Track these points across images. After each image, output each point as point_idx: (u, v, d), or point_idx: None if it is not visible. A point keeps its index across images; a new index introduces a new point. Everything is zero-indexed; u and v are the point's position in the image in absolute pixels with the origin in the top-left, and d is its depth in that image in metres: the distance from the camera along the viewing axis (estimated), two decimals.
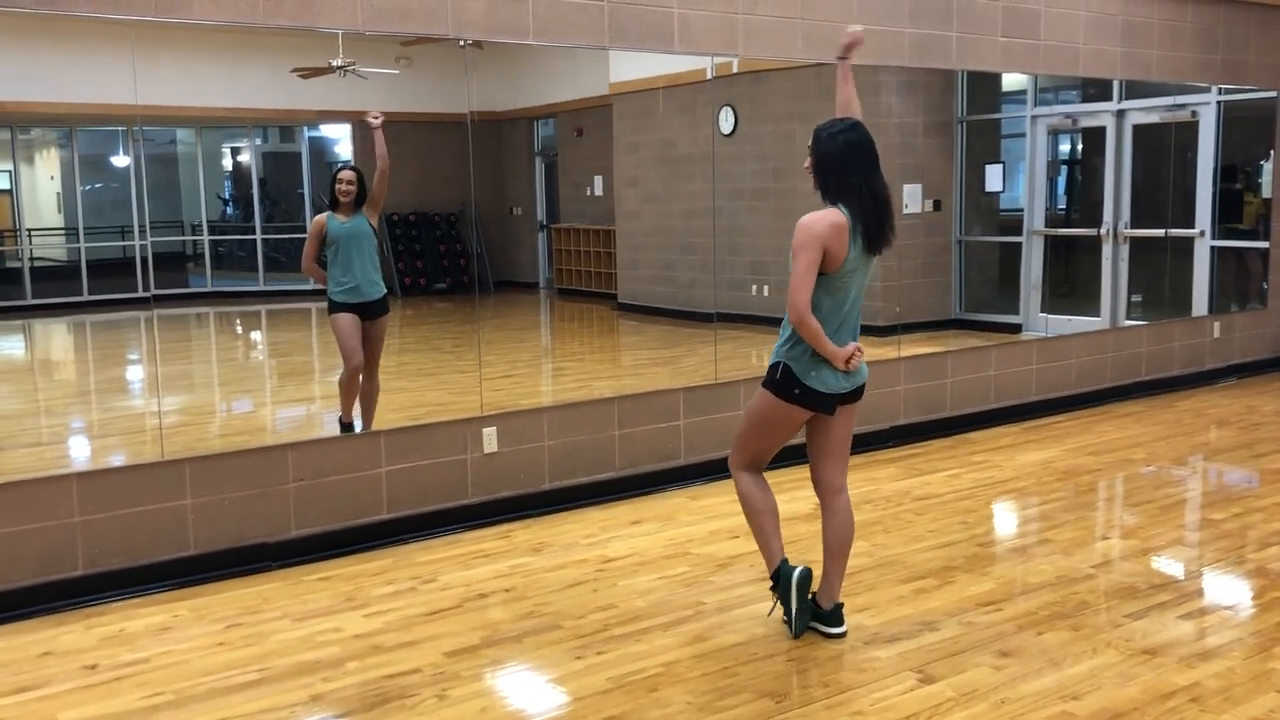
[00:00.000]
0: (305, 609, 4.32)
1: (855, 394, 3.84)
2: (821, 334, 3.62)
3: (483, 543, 5.12)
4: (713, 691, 3.51)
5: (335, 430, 5.77)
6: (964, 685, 3.50)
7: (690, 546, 4.99)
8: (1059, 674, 3.58)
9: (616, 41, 5.69)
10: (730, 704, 3.42)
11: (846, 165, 3.64)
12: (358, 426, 5.69)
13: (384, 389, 5.88)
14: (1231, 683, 3.50)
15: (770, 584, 3.94)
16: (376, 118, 5.68)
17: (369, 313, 5.81)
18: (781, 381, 3.74)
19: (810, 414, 3.79)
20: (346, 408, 5.77)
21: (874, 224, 3.64)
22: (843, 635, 3.89)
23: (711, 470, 6.14)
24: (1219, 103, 8.75)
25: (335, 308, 5.82)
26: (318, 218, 5.84)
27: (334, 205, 5.81)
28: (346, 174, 5.81)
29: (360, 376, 5.78)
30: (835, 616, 3.91)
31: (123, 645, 4.00)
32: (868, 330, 7.59)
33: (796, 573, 3.84)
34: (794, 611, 3.84)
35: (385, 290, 5.90)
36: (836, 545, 3.88)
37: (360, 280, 5.79)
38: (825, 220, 3.60)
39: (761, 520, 3.92)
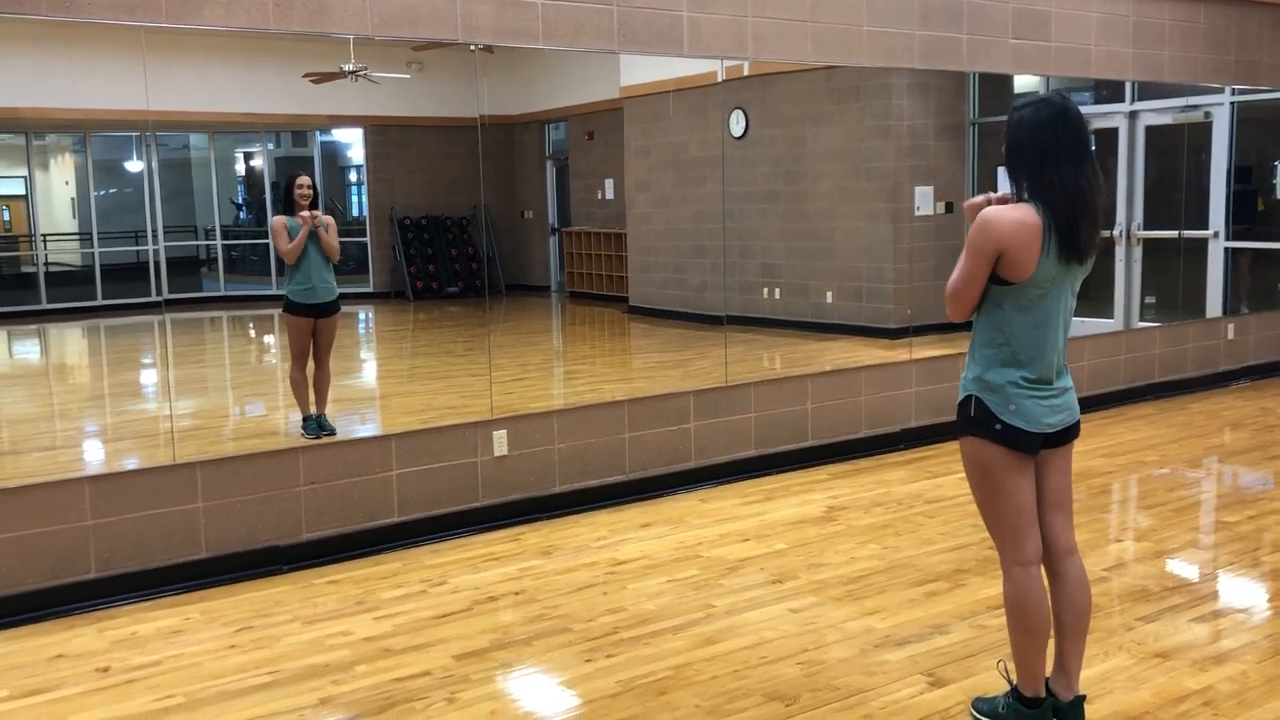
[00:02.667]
0: (315, 612, 4.33)
1: (1067, 434, 3.10)
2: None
3: (493, 546, 5.13)
4: (722, 694, 3.50)
5: (348, 434, 5.81)
6: (974, 689, 3.48)
7: (700, 549, 4.98)
8: None
9: (626, 45, 5.70)
10: (740, 707, 3.41)
11: (1037, 153, 2.94)
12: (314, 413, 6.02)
13: (396, 392, 5.92)
14: (1245, 686, 3.48)
15: (1018, 701, 3.13)
16: (315, 218, 6.03)
17: (324, 312, 6.13)
18: (977, 419, 3.02)
19: (1023, 458, 3.03)
20: (303, 404, 6.06)
21: (1067, 224, 2.92)
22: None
23: (721, 473, 6.14)
24: (1232, 104, 8.71)
25: (291, 308, 6.13)
26: (277, 218, 6.14)
27: (291, 210, 6.10)
28: (305, 179, 6.11)
29: (310, 373, 6.12)
30: (1077, 711, 3.15)
31: (134, 648, 4.02)
32: (877, 333, 7.60)
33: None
34: None
35: (338, 293, 6.22)
36: (1072, 619, 3.12)
37: (316, 282, 6.09)
38: (1009, 218, 2.91)
39: (1027, 640, 3.07)
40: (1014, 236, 2.89)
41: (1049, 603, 3.10)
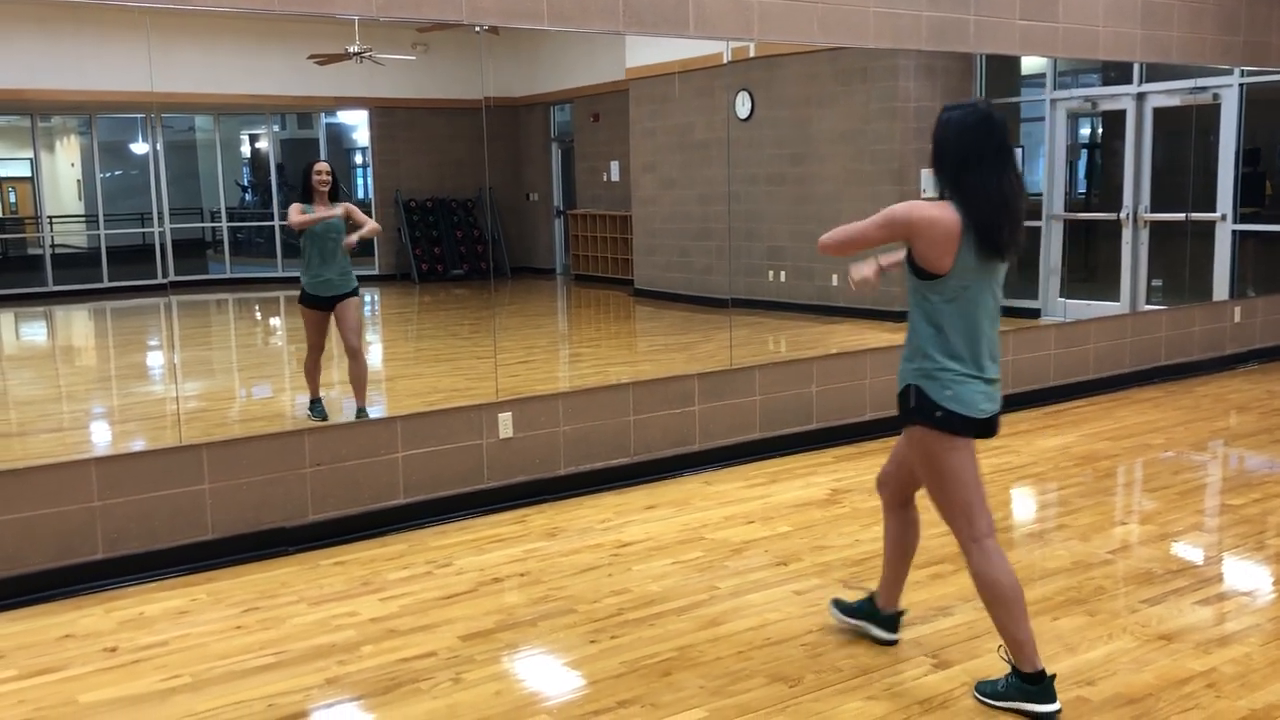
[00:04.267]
0: (321, 593, 4.35)
1: (992, 425, 3.26)
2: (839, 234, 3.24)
3: (498, 527, 5.14)
4: (726, 676, 3.52)
5: (352, 415, 5.82)
6: (978, 671, 3.49)
7: (704, 532, 4.99)
8: (1074, 659, 3.57)
9: (631, 26, 5.68)
10: (743, 688, 3.43)
11: (961, 156, 3.12)
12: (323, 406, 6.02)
13: (402, 374, 5.93)
14: (1248, 669, 3.48)
15: (1019, 679, 3.21)
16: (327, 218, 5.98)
17: (340, 301, 6.05)
18: (919, 408, 3.18)
19: (964, 442, 3.20)
20: (312, 388, 6.05)
21: (989, 225, 3.09)
22: (894, 644, 3.66)
23: (726, 456, 6.14)
24: (1241, 85, 8.66)
25: (304, 299, 6.08)
26: (294, 205, 6.03)
27: (308, 196, 5.95)
28: (323, 166, 5.97)
29: (321, 361, 6.09)
30: (894, 623, 3.69)
31: (142, 628, 4.04)
32: (885, 315, 7.58)
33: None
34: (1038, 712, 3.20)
35: (356, 282, 6.14)
36: (908, 553, 3.63)
37: (333, 274, 6.01)
38: (927, 212, 3.10)
39: (1011, 616, 3.19)
40: (925, 229, 3.09)
41: (1013, 571, 3.22)
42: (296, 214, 5.91)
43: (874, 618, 3.72)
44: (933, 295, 3.16)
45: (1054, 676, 3.21)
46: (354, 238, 5.98)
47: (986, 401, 3.19)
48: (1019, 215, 3.15)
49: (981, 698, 3.30)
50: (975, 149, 3.10)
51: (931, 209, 3.11)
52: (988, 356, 3.20)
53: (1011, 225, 3.12)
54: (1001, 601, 3.18)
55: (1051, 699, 3.17)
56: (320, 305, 6.04)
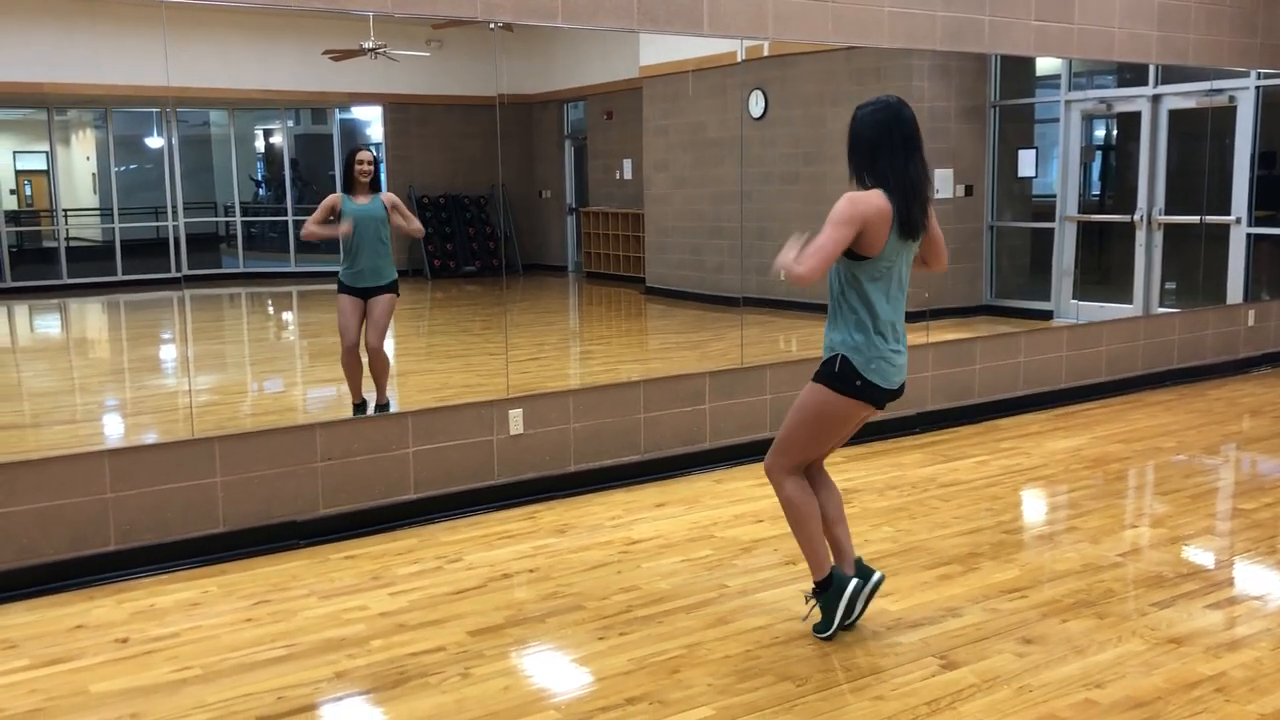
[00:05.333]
0: (332, 587, 4.36)
1: (897, 394, 3.67)
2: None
3: (508, 524, 5.15)
4: (734, 674, 3.52)
5: (362, 411, 5.82)
6: (986, 671, 3.49)
7: (714, 530, 5.00)
8: (1083, 662, 3.56)
9: (645, 24, 5.68)
10: (752, 686, 3.43)
11: (872, 146, 3.50)
12: (370, 407, 5.80)
13: (413, 370, 5.93)
14: (1258, 673, 3.47)
15: (814, 590, 3.77)
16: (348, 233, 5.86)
17: (374, 295, 5.92)
18: (840, 375, 3.55)
19: (866, 411, 3.63)
20: (353, 389, 5.87)
21: (903, 209, 3.47)
22: (882, 579, 3.84)
23: (736, 454, 6.14)
24: (1258, 88, 8.62)
25: (341, 289, 5.95)
26: (331, 196, 5.92)
27: (349, 187, 5.85)
28: (365, 154, 5.86)
29: (360, 356, 5.89)
30: (864, 568, 3.85)
31: (153, 620, 4.06)
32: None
33: (851, 585, 3.72)
34: (836, 621, 3.72)
35: (395, 275, 5.99)
36: (837, 509, 3.84)
37: (367, 266, 5.89)
38: (871, 201, 3.43)
39: (811, 529, 3.72)
40: (875, 215, 3.43)
41: (816, 501, 3.74)
42: (318, 218, 5.85)
43: (845, 581, 3.76)
44: (862, 275, 3.51)
45: (835, 567, 3.74)
46: (397, 223, 5.85)
47: (899, 375, 3.61)
48: (927, 200, 3.56)
49: (822, 635, 3.73)
50: (887, 140, 3.48)
51: (873, 197, 3.45)
52: (901, 329, 3.62)
53: (922, 208, 3.53)
54: (810, 519, 3.70)
55: (846, 581, 3.70)
56: (352, 293, 5.91)
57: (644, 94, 8.50)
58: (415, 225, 6.03)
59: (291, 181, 9.67)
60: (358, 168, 5.81)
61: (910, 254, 3.61)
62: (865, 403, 3.59)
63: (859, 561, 3.86)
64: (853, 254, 3.48)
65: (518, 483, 5.48)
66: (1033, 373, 7.52)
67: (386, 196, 5.92)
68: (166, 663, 3.68)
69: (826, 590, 3.73)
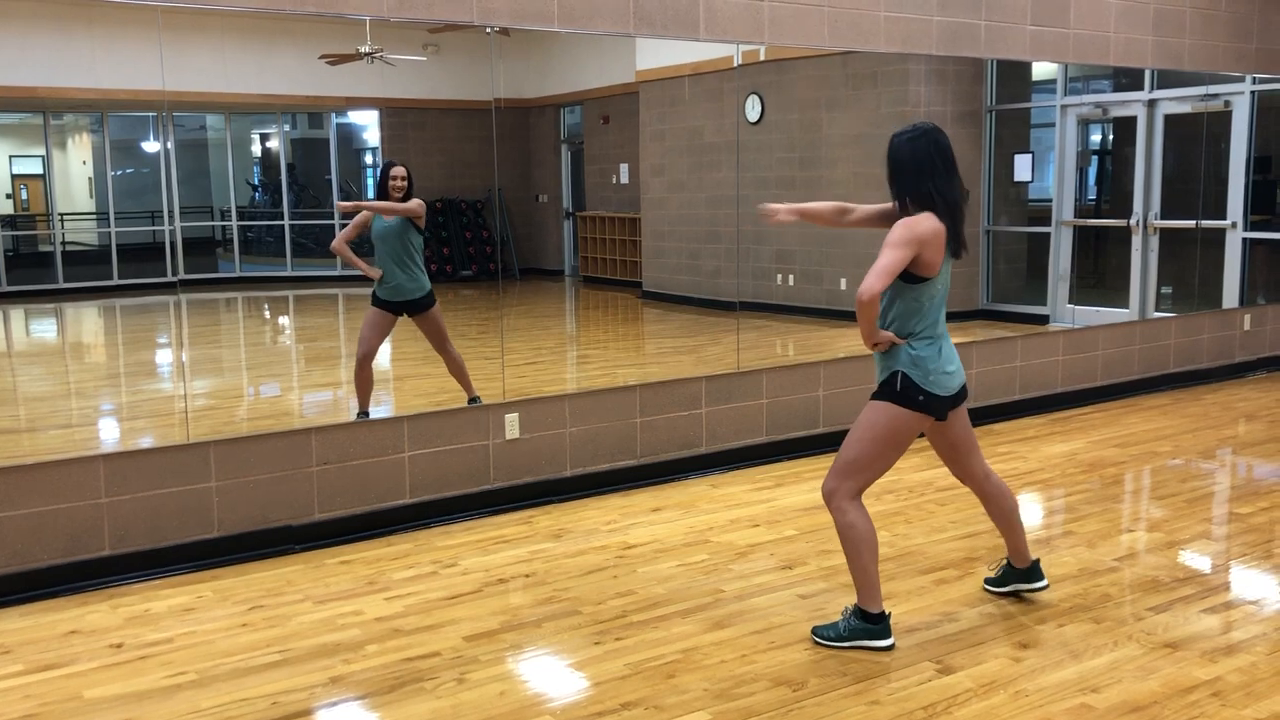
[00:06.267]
0: (327, 592, 4.36)
1: (963, 394, 3.78)
2: (873, 318, 3.58)
3: (504, 528, 5.15)
4: (730, 679, 3.51)
5: (355, 416, 5.82)
6: (982, 676, 3.49)
7: (710, 534, 4.99)
8: (1078, 666, 3.56)
9: (642, 29, 5.68)
10: (747, 691, 3.42)
11: (917, 171, 3.63)
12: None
13: (409, 375, 5.92)
14: (1254, 678, 3.47)
15: (862, 619, 3.72)
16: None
17: (412, 310, 5.88)
18: (903, 392, 3.64)
19: (928, 424, 3.74)
20: (361, 399, 5.83)
21: (953, 229, 3.62)
22: (1046, 586, 4.13)
23: (732, 459, 6.14)
24: (1253, 93, 8.63)
25: (374, 300, 5.92)
26: (364, 213, 5.90)
27: (383, 200, 5.83)
28: (399, 169, 5.83)
29: (370, 369, 5.86)
30: (1037, 572, 4.12)
31: (147, 625, 4.05)
32: None
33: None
34: (877, 646, 3.73)
35: (427, 287, 5.93)
36: (1008, 514, 4.03)
37: (397, 280, 5.85)
38: (926, 224, 3.55)
39: (869, 557, 3.70)
40: (932, 239, 3.54)
41: (871, 519, 3.75)
42: (342, 240, 5.76)
43: (1021, 575, 4.12)
44: (923, 296, 3.64)
45: (890, 615, 3.75)
46: (348, 205, 5.78)
47: (956, 380, 3.72)
48: (964, 218, 3.71)
49: (823, 641, 3.74)
50: (929, 164, 3.61)
51: (928, 220, 3.55)
52: (949, 338, 3.76)
53: (962, 225, 3.68)
54: (871, 548, 3.69)
55: (889, 635, 3.71)
56: (383, 306, 5.88)
57: (640, 98, 8.51)
58: (397, 209, 5.83)
59: (288, 186, 9.66)
60: (391, 183, 5.79)
61: (949, 272, 3.75)
62: (928, 415, 3.69)
63: (1035, 563, 4.14)
64: (911, 276, 3.60)
65: (514, 487, 5.48)
66: (1029, 377, 7.53)
67: (414, 202, 5.85)
68: (161, 668, 3.67)
69: (872, 623, 3.72)
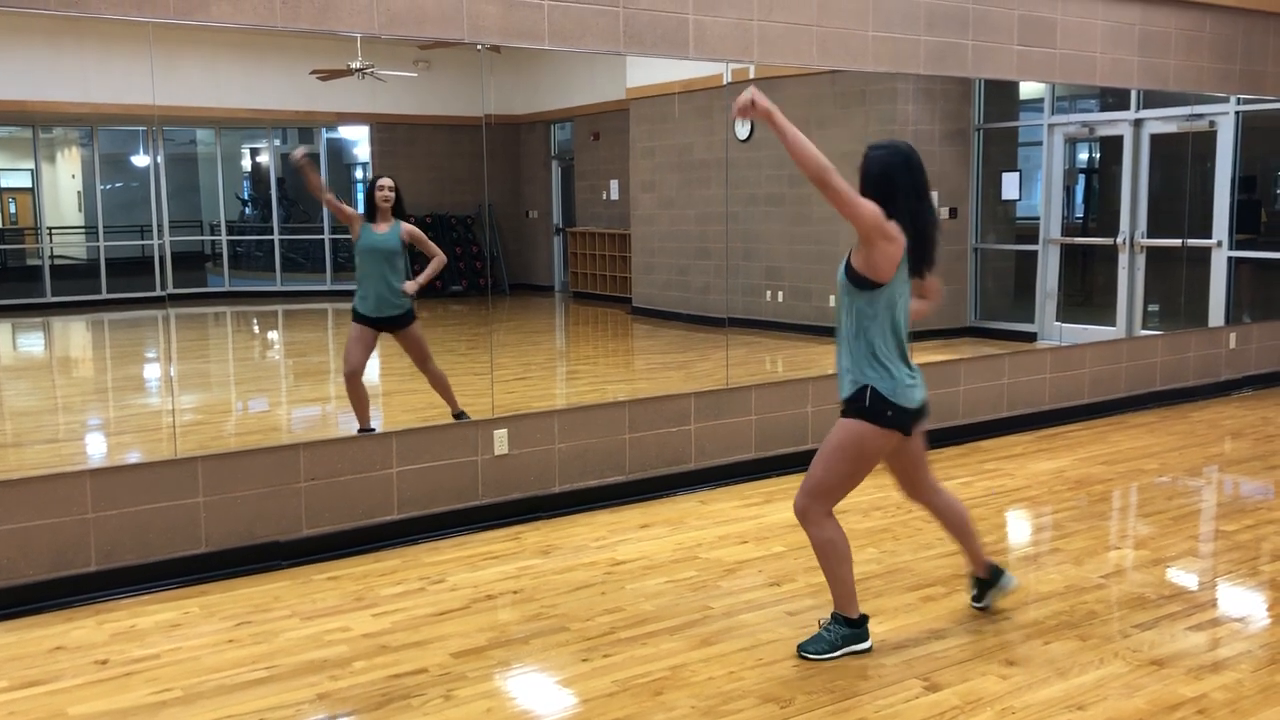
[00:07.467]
0: (314, 608, 4.34)
1: (924, 411, 3.81)
2: (817, 163, 3.44)
3: (492, 544, 5.14)
4: (718, 696, 3.51)
5: (349, 430, 5.81)
6: (969, 693, 3.50)
7: (699, 551, 5.00)
8: (1065, 684, 3.57)
9: (631, 47, 5.71)
10: (736, 708, 3.42)
11: (889, 188, 3.59)
12: (461, 416, 5.79)
13: (397, 390, 5.92)
14: (1239, 695, 3.49)
15: (846, 625, 3.81)
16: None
17: (393, 326, 5.90)
18: (872, 408, 3.65)
19: (896, 440, 3.73)
20: (359, 415, 5.81)
21: (913, 246, 3.63)
22: (1018, 584, 4.25)
23: (721, 475, 6.15)
24: (1238, 113, 8.71)
25: (355, 316, 5.94)
26: (357, 215, 5.94)
27: (371, 214, 5.88)
28: (386, 181, 5.88)
29: (360, 383, 5.86)
30: (1001, 573, 4.16)
31: (133, 641, 4.03)
32: None
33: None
34: (862, 649, 3.84)
35: (408, 305, 5.94)
36: (962, 524, 4.06)
37: (374, 295, 5.88)
38: (895, 228, 3.56)
39: (846, 569, 3.80)
40: (896, 234, 3.55)
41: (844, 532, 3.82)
42: (332, 199, 5.82)
43: (991, 583, 4.16)
44: (878, 304, 3.64)
45: (868, 618, 3.86)
46: (413, 286, 5.84)
47: (920, 392, 3.75)
48: (935, 240, 3.74)
49: (815, 656, 3.75)
50: (902, 185, 3.58)
51: (895, 227, 3.56)
52: (909, 354, 3.77)
53: (930, 248, 3.70)
54: (845, 560, 3.78)
55: (869, 635, 3.83)
56: (364, 322, 5.89)
57: (631, 115, 8.55)
58: (435, 253, 5.94)
59: (278, 200, 9.66)
60: (378, 194, 5.83)
61: (909, 288, 3.74)
62: (896, 430, 3.69)
63: (994, 568, 4.18)
64: (865, 283, 3.61)
65: (502, 503, 5.47)
66: (1016, 394, 7.56)
67: (406, 230, 5.90)
68: (146, 684, 3.65)
69: (854, 627, 3.82)
